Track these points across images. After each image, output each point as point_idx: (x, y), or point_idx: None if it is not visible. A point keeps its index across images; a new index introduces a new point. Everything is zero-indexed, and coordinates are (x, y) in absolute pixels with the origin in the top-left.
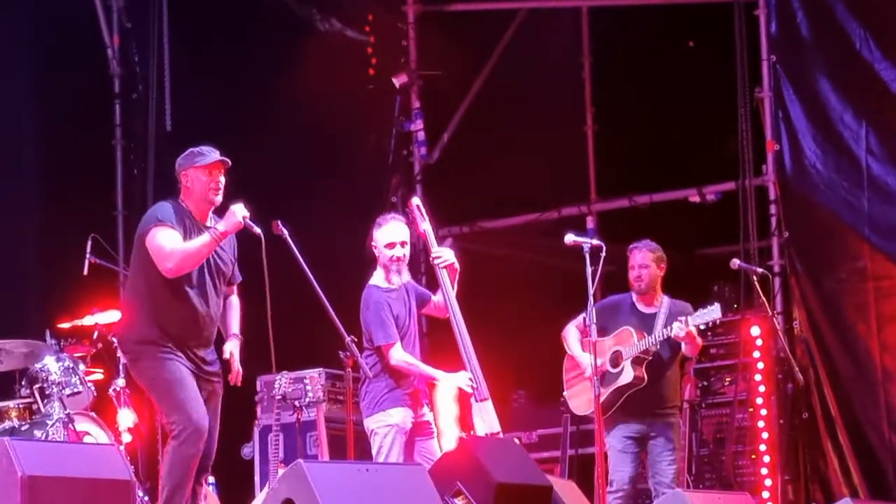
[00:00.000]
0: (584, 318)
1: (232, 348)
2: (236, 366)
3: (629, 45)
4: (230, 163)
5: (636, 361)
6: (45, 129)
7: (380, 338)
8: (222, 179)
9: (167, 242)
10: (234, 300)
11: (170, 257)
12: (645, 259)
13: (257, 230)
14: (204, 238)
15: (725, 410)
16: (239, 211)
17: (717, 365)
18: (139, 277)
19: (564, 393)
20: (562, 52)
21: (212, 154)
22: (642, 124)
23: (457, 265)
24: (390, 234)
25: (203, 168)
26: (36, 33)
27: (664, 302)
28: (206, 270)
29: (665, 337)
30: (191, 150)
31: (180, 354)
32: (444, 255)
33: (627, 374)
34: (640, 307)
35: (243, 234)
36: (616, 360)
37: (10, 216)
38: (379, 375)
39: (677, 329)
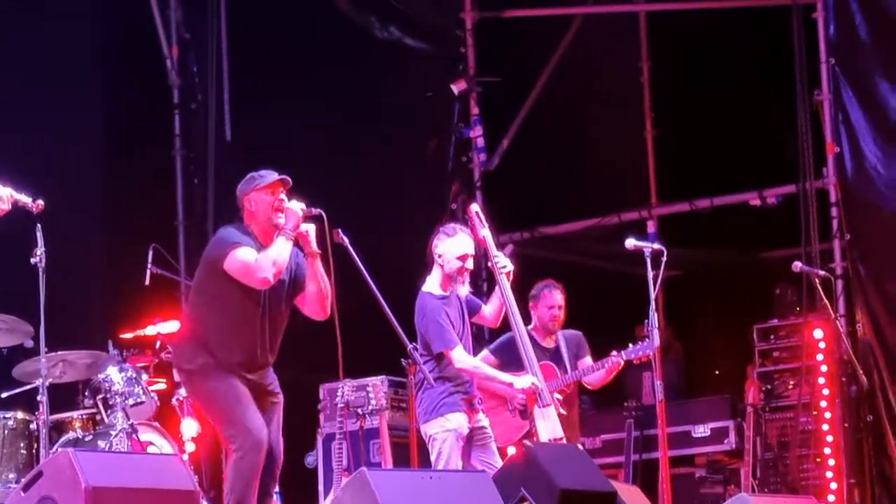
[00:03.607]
0: (489, 353)
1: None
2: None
3: (687, 48)
4: (291, 181)
5: (560, 392)
6: (106, 140)
7: (439, 344)
8: (285, 198)
9: (250, 256)
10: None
11: (259, 268)
12: (562, 299)
13: (317, 211)
14: (279, 240)
15: (790, 414)
16: (295, 205)
17: (781, 368)
18: (203, 296)
19: (483, 415)
20: (620, 57)
21: (270, 175)
22: (702, 128)
23: (511, 271)
24: (463, 246)
25: (265, 189)
26: (96, 46)
27: (559, 334)
28: (266, 293)
29: (593, 370)
30: (250, 174)
31: (237, 372)
32: (503, 262)
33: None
34: (540, 341)
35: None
36: None
37: (72, 227)
38: (436, 382)
39: (612, 360)
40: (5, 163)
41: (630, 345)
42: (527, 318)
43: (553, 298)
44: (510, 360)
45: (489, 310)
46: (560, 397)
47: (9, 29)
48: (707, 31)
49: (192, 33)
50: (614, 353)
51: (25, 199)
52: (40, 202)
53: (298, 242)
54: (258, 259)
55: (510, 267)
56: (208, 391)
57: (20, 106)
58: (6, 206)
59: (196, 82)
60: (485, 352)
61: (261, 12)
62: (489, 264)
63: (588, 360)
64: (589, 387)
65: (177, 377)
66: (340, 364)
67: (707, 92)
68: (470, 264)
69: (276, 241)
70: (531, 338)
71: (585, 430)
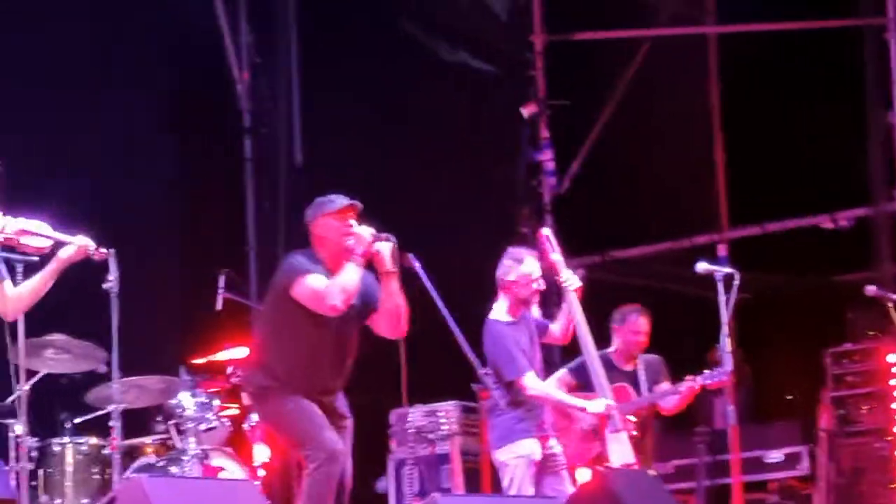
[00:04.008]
0: (567, 373)
1: None
2: None
3: (757, 70)
4: (360, 206)
5: (635, 416)
6: (177, 165)
7: (510, 372)
8: (354, 224)
9: (320, 283)
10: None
11: (329, 295)
12: (647, 325)
13: (385, 235)
14: (348, 267)
15: (863, 439)
16: (364, 230)
17: (855, 393)
18: (273, 322)
19: (556, 443)
20: (690, 79)
21: (340, 200)
22: (773, 150)
23: (580, 287)
24: (535, 268)
25: (334, 215)
26: (167, 71)
27: (640, 358)
28: (335, 320)
29: (668, 393)
30: (319, 200)
31: (306, 395)
32: (571, 279)
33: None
34: (619, 365)
35: None
36: None
37: (144, 253)
38: (507, 408)
39: (688, 385)
40: (78, 188)
41: (705, 370)
42: (605, 340)
43: (639, 324)
44: (588, 380)
45: (557, 328)
46: (634, 420)
47: (80, 53)
48: (777, 52)
49: (263, 57)
50: (689, 378)
51: (91, 248)
52: (103, 250)
53: (372, 263)
54: (328, 286)
55: (578, 284)
56: (279, 412)
57: (92, 130)
58: (80, 255)
59: (267, 107)
60: (563, 371)
61: (332, 36)
62: (559, 285)
63: (665, 386)
64: (663, 412)
65: (247, 401)
66: (404, 389)
67: (777, 114)
68: (542, 284)
69: (345, 267)
70: (610, 361)
71: (657, 456)
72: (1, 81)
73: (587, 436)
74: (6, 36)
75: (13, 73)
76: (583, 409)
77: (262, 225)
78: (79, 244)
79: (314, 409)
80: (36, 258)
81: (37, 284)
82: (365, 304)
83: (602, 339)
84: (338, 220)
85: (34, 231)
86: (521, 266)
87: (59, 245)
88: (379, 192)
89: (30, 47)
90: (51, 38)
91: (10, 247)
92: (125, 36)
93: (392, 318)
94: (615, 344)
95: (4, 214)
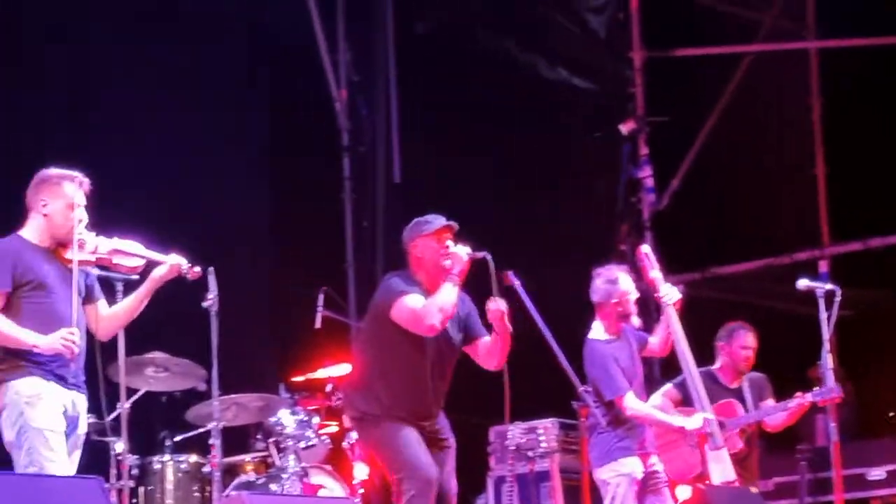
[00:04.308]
0: (672, 388)
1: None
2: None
3: (859, 84)
4: (457, 227)
5: (740, 433)
6: (275, 183)
7: (610, 392)
8: (451, 244)
9: (416, 303)
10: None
11: (427, 314)
12: (755, 341)
13: (482, 254)
14: (445, 286)
15: None
16: (460, 250)
17: None
18: (372, 344)
19: (658, 460)
20: (790, 94)
21: (437, 220)
22: (875, 165)
23: (679, 301)
24: (630, 284)
25: (431, 235)
26: (264, 90)
27: (744, 375)
28: (434, 341)
29: (776, 410)
30: (416, 220)
31: (406, 418)
32: (670, 292)
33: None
34: (724, 382)
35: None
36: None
37: (244, 271)
38: (608, 426)
39: (797, 402)
40: (175, 209)
41: (814, 388)
42: (705, 356)
43: (747, 340)
44: (690, 397)
45: (656, 341)
46: (741, 437)
47: (176, 71)
48: (878, 66)
49: (361, 76)
50: (799, 394)
51: (185, 267)
52: (196, 269)
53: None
54: (425, 306)
55: (677, 296)
56: (378, 437)
57: (188, 152)
58: (173, 273)
59: (365, 125)
60: (668, 386)
61: (429, 54)
62: (657, 299)
63: (770, 402)
64: (769, 429)
65: (347, 421)
66: (507, 407)
67: (878, 128)
68: (634, 307)
69: (442, 287)
70: (715, 377)
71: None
72: (99, 101)
73: (694, 451)
74: (107, 48)
75: (110, 90)
76: (681, 428)
77: (360, 242)
78: (172, 263)
79: (414, 436)
80: (135, 277)
81: (131, 304)
82: (464, 330)
83: (702, 356)
84: (434, 241)
85: (127, 250)
86: (616, 286)
87: (152, 264)
88: (478, 209)
89: (130, 66)
90: (150, 60)
91: (104, 266)
92: (222, 55)
93: (496, 350)
94: (720, 360)
95: (97, 235)
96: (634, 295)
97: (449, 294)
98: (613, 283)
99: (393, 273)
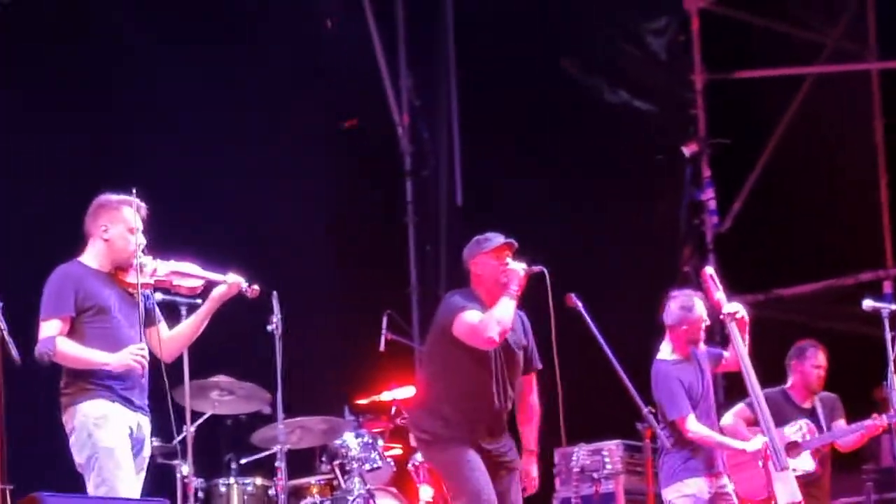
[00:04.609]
0: (744, 407)
1: (528, 466)
2: (532, 482)
3: None
4: (517, 244)
5: (814, 453)
6: (337, 207)
7: (672, 413)
8: (510, 261)
9: (475, 317)
10: (534, 402)
11: (486, 327)
12: (826, 359)
13: (538, 268)
14: (502, 300)
15: None
16: (517, 265)
17: None
18: (436, 364)
19: (726, 480)
20: (853, 115)
21: (497, 238)
22: None
23: (746, 317)
24: (704, 311)
25: (491, 252)
26: (327, 115)
27: (816, 395)
28: (498, 358)
29: (850, 431)
30: (475, 238)
31: (471, 443)
32: (734, 309)
33: (807, 464)
34: (797, 401)
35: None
36: (792, 450)
37: (307, 295)
38: (674, 447)
39: (872, 423)
40: (240, 233)
41: (886, 409)
42: (770, 377)
43: (818, 358)
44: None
45: (729, 355)
46: (814, 457)
47: (239, 99)
48: None
49: (423, 100)
50: (875, 416)
51: (244, 285)
52: (255, 287)
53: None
54: (482, 319)
55: (742, 312)
56: (443, 461)
57: (252, 177)
58: (233, 292)
59: (427, 149)
60: (741, 405)
61: (490, 77)
62: (721, 318)
63: (842, 423)
64: (841, 449)
65: (413, 442)
66: (563, 429)
67: None
68: (704, 333)
69: (500, 301)
70: (788, 397)
71: None
72: (165, 125)
73: (765, 471)
74: (177, 71)
75: (175, 113)
76: (742, 451)
77: (423, 265)
78: (231, 282)
79: (478, 463)
80: (199, 300)
81: (192, 325)
82: (524, 349)
83: (766, 376)
84: (494, 258)
85: (185, 272)
86: (690, 313)
87: (211, 284)
88: (540, 232)
89: (192, 89)
90: (212, 82)
91: (164, 289)
92: (285, 80)
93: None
94: (792, 379)
95: (154, 258)
96: (706, 322)
97: (506, 308)
98: (688, 309)
99: (454, 291)
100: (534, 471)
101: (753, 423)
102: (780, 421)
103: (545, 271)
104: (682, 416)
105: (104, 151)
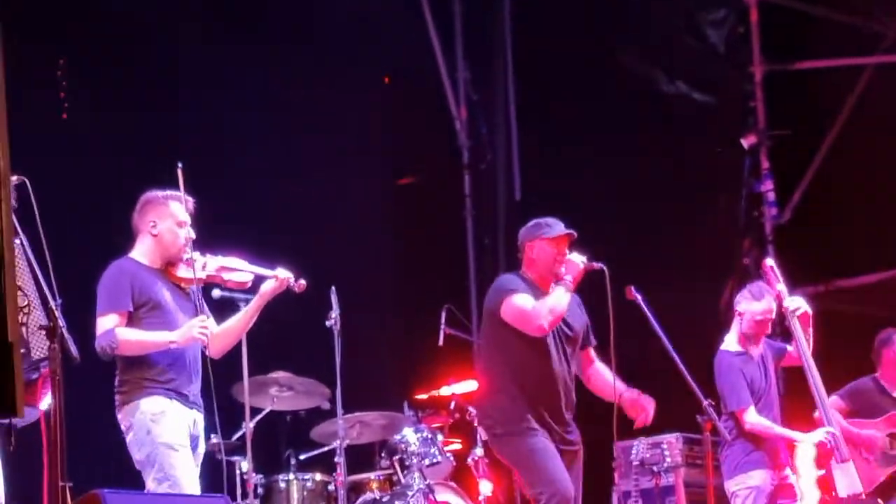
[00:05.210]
0: (838, 399)
1: (635, 398)
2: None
3: None
4: (576, 235)
5: None
6: (396, 202)
7: (732, 403)
8: (567, 252)
9: (527, 303)
10: (600, 366)
11: (537, 315)
12: None
13: (598, 265)
14: (558, 290)
15: None
16: (576, 258)
17: None
18: (493, 351)
19: (790, 472)
20: None
21: (557, 226)
22: None
23: (809, 311)
24: (767, 308)
25: (550, 240)
26: (385, 111)
27: None
28: (556, 339)
29: None
30: (535, 221)
31: (540, 428)
32: (796, 304)
33: None
34: (888, 389)
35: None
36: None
37: (366, 290)
38: (737, 439)
39: None
40: (298, 229)
41: None
42: (832, 370)
43: None
44: (860, 406)
45: (793, 349)
46: None
47: (298, 94)
48: None
49: (480, 94)
50: None
51: (292, 280)
52: (302, 282)
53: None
54: (535, 306)
55: (805, 307)
56: (515, 448)
57: (310, 171)
58: (281, 287)
59: (485, 143)
60: (834, 397)
61: (547, 70)
62: (783, 311)
63: None
64: None
65: (483, 436)
66: (615, 422)
67: None
68: (767, 327)
69: (555, 290)
70: (880, 385)
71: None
72: (222, 119)
73: (873, 462)
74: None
75: (229, 103)
76: (801, 442)
77: (481, 259)
78: (279, 277)
79: (551, 449)
80: (252, 296)
81: (241, 321)
82: (584, 338)
83: (831, 369)
84: (552, 246)
85: (234, 267)
86: (760, 305)
87: (259, 279)
88: (599, 225)
89: (255, 92)
90: (280, 80)
91: (213, 284)
92: (342, 75)
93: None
94: (881, 368)
95: (203, 254)
96: (772, 316)
97: (561, 298)
98: (758, 300)
99: (506, 272)
100: (646, 401)
101: (848, 414)
102: (874, 409)
103: (605, 269)
104: (742, 408)
105: (154, 149)
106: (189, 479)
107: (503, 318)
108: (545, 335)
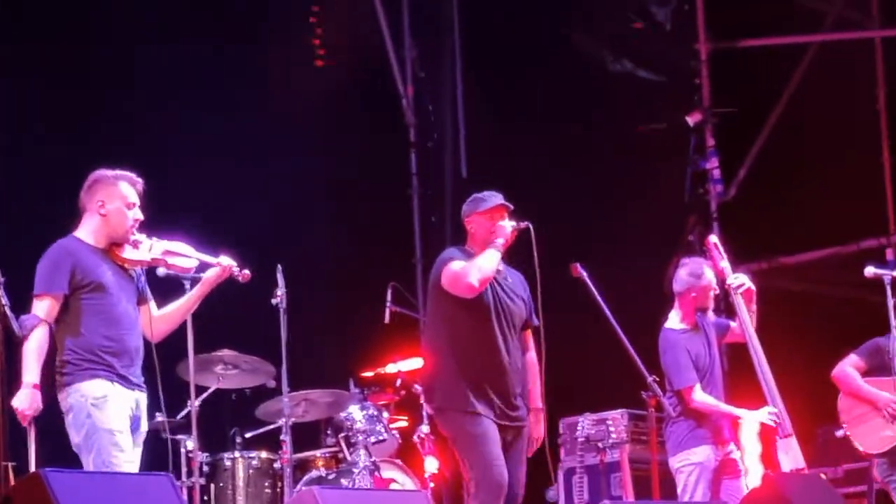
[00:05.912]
0: (857, 358)
1: (534, 423)
2: (535, 441)
3: None
4: (512, 207)
5: None
6: (341, 179)
7: (678, 381)
8: (504, 223)
9: (458, 265)
10: (532, 358)
11: (465, 273)
12: None
13: (524, 224)
14: (487, 251)
15: None
16: (507, 224)
17: None
18: (439, 325)
19: (846, 431)
20: (856, 84)
21: (493, 198)
22: None
23: (752, 287)
24: (713, 278)
25: (485, 213)
26: (329, 88)
27: None
28: (499, 314)
29: None
30: (475, 196)
31: (485, 405)
32: (740, 280)
33: None
34: None
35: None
36: None
37: (311, 268)
38: (681, 416)
39: None
40: (241, 207)
41: None
42: (775, 344)
43: None
44: (878, 364)
45: (736, 325)
46: None
47: (245, 71)
48: None
49: (427, 71)
50: None
51: (236, 269)
52: (246, 272)
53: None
54: (464, 266)
55: (748, 284)
56: (456, 430)
57: (253, 148)
58: (224, 275)
59: (432, 121)
60: (852, 356)
61: (494, 47)
62: (726, 288)
63: None
64: None
65: (429, 411)
66: (541, 391)
67: None
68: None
69: (484, 252)
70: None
71: (827, 461)
72: (178, 110)
73: (888, 423)
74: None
75: (186, 100)
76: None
77: (428, 237)
78: (223, 264)
79: (491, 435)
80: (200, 275)
81: (182, 306)
82: (525, 312)
83: (771, 345)
84: (488, 219)
85: (179, 252)
86: (698, 280)
87: (203, 266)
88: (544, 202)
89: (198, 69)
90: (224, 58)
91: (157, 267)
92: (285, 51)
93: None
94: None
95: (149, 236)
96: (715, 290)
97: (489, 258)
98: (697, 276)
99: (451, 246)
100: (538, 430)
101: (865, 372)
102: (891, 367)
103: (531, 227)
104: (688, 386)
105: (102, 127)
106: (129, 464)
107: (444, 286)
108: (475, 294)
